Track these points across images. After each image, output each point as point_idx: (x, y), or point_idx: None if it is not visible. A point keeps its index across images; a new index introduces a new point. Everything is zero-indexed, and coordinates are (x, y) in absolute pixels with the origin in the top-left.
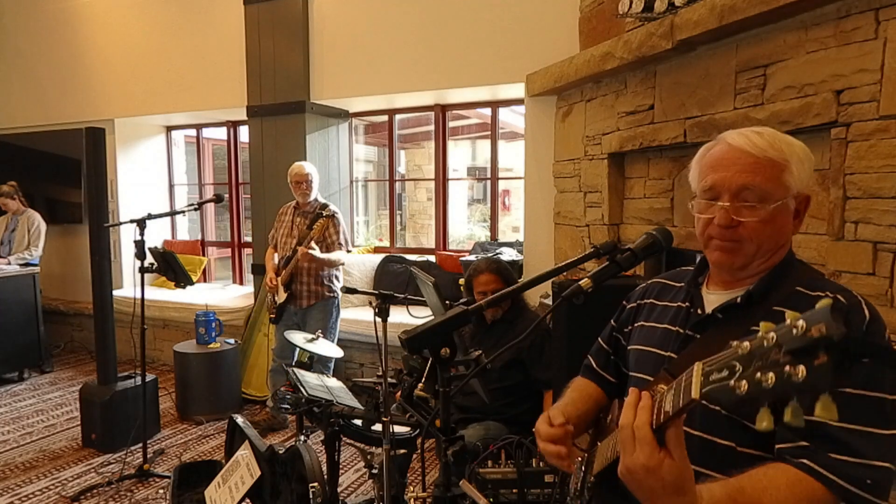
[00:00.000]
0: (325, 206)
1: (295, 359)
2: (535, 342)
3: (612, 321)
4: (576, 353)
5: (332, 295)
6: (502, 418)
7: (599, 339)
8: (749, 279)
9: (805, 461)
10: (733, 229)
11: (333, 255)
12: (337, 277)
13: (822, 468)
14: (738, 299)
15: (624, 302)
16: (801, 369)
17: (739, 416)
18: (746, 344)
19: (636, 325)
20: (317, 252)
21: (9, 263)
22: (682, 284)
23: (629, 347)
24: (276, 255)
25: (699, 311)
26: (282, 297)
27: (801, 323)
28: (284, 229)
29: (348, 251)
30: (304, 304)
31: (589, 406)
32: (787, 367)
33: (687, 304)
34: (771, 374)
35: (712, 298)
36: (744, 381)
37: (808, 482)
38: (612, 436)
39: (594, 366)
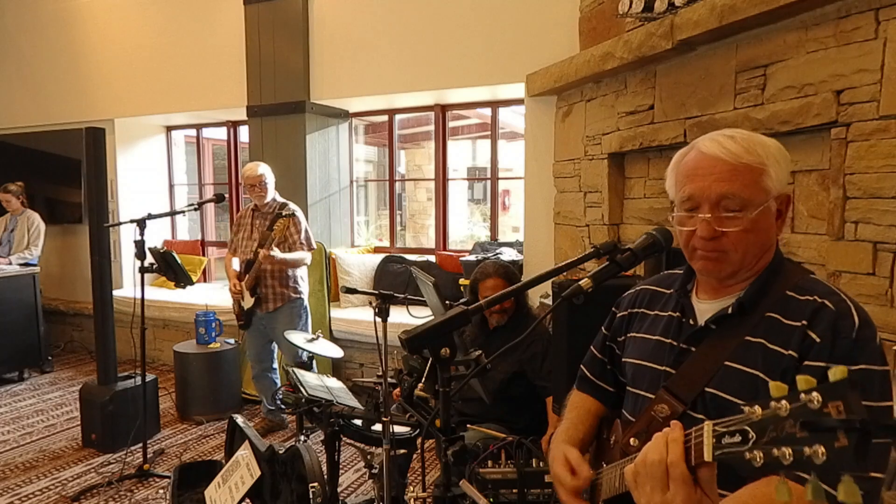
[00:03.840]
0: (283, 206)
1: (274, 361)
2: (537, 353)
3: (603, 329)
4: (576, 354)
5: (298, 296)
6: (504, 425)
7: (592, 347)
8: (738, 284)
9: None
10: (717, 240)
11: (296, 255)
12: (302, 278)
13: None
14: (730, 309)
15: (614, 309)
16: (821, 450)
17: None
18: (758, 409)
19: (629, 335)
20: (277, 253)
21: (10, 263)
22: (672, 291)
23: (624, 359)
24: (235, 259)
25: (691, 322)
26: (248, 302)
27: (815, 395)
28: (244, 232)
29: (311, 249)
30: (271, 307)
31: (590, 425)
32: (806, 448)
33: (678, 314)
34: (787, 451)
35: (703, 308)
36: (758, 452)
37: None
38: (621, 462)
39: (590, 376)
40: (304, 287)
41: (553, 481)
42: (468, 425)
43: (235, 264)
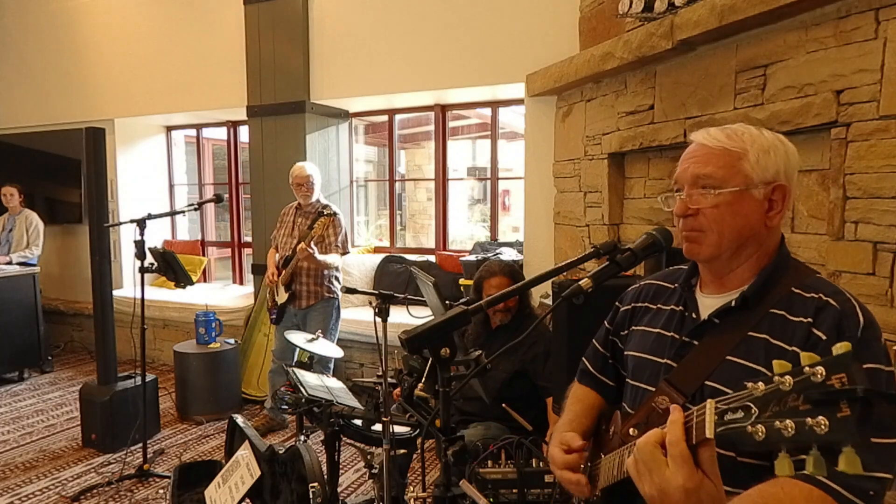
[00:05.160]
0: (326, 207)
1: (295, 359)
2: (539, 353)
3: (606, 323)
4: (576, 354)
5: (332, 296)
6: (504, 424)
7: (595, 341)
8: (736, 277)
9: (819, 477)
10: (693, 218)
11: (329, 258)
12: (337, 279)
13: (832, 482)
14: (733, 303)
15: (617, 303)
16: (823, 421)
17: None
18: (761, 385)
19: (631, 328)
20: (315, 252)
21: (10, 262)
22: (676, 286)
23: (626, 353)
24: (276, 255)
25: (694, 316)
26: (282, 297)
27: (819, 369)
28: (285, 229)
29: (345, 253)
30: (305, 304)
31: (591, 418)
32: (808, 419)
33: (681, 307)
34: (790, 423)
35: (707, 302)
36: (761, 426)
37: (820, 496)
38: (619, 451)
39: (591, 370)
40: (339, 287)
41: (552, 467)
42: (503, 405)
43: (276, 259)
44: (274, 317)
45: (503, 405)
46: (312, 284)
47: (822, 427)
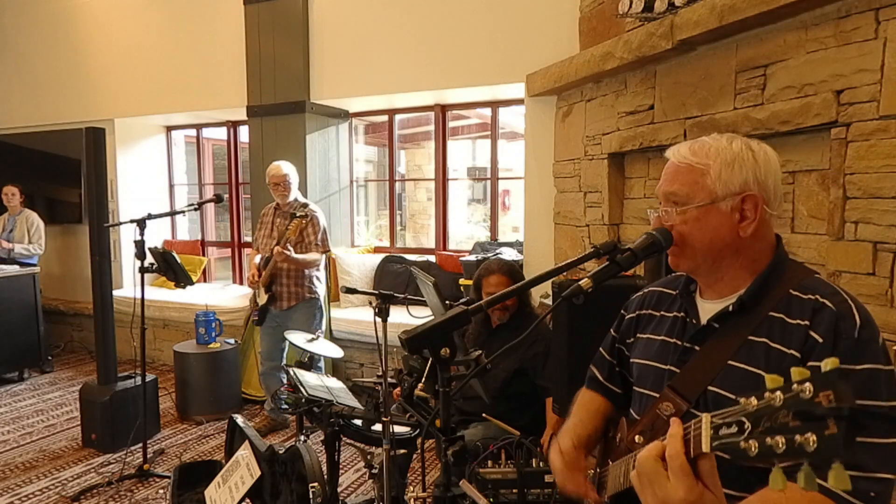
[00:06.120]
0: (304, 206)
1: (283, 360)
2: (539, 352)
3: (612, 331)
4: (576, 354)
5: (313, 296)
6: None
7: (602, 349)
8: (730, 283)
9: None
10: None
11: (308, 256)
12: (318, 278)
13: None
14: (731, 307)
15: (623, 311)
16: (812, 438)
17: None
18: (753, 401)
19: (637, 336)
20: (291, 252)
21: (12, 249)
22: (677, 293)
23: (631, 360)
24: (259, 256)
25: (694, 321)
26: (262, 298)
27: (808, 386)
28: (265, 230)
29: (326, 251)
30: (286, 305)
31: (598, 423)
32: (798, 436)
33: (682, 314)
34: (780, 439)
35: (707, 307)
36: (753, 442)
37: (822, 500)
38: (626, 459)
39: (598, 377)
40: (321, 288)
41: (553, 473)
42: (483, 414)
43: (257, 260)
44: (256, 318)
45: (483, 415)
46: (293, 286)
47: (811, 444)
